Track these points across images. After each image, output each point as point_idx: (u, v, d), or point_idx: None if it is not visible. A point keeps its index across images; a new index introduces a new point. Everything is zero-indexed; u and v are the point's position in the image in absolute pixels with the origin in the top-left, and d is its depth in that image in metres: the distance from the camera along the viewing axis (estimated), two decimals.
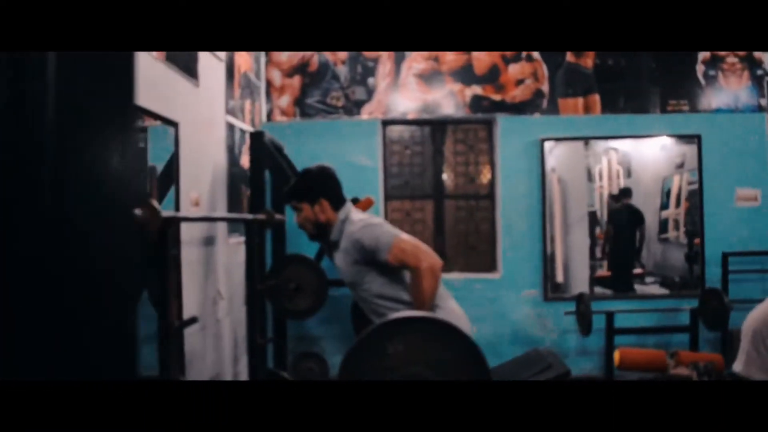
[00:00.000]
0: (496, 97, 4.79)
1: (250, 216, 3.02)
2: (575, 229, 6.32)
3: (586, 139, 5.18)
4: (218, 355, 3.61)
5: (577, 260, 6.29)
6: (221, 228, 3.73)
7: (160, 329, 1.87)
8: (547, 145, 5.80)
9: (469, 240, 5.06)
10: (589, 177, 8.67)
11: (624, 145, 7.69)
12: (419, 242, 2.49)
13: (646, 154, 7.22)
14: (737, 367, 1.58)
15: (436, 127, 5.03)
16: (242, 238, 3.82)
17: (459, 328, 1.98)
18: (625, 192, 7.68)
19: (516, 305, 4.78)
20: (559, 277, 5.98)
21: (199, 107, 3.44)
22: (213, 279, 3.61)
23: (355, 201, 4.09)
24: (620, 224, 7.40)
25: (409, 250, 2.40)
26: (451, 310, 2.63)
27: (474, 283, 4.84)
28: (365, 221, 2.54)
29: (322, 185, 2.63)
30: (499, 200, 4.85)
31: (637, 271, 7.45)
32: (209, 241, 3.56)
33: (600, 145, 7.94)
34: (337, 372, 1.99)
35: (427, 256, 2.41)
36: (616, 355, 3.77)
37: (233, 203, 4.02)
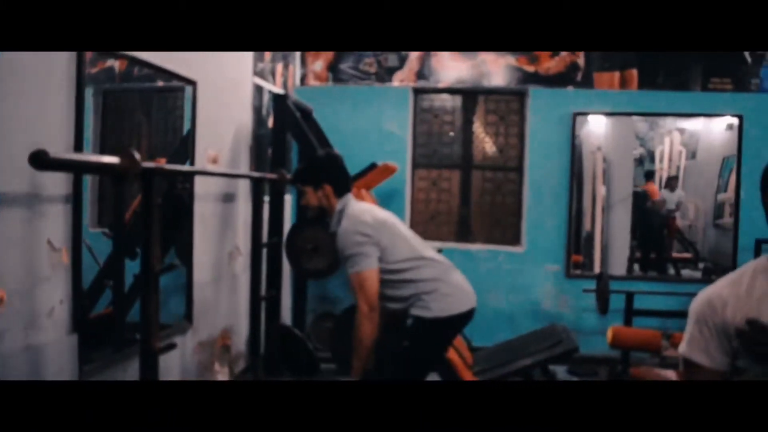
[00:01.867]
0: (530, 69, 4.71)
1: (255, 174, 3.11)
2: (617, 209, 6.19)
3: (621, 115, 5.01)
4: (232, 309, 3.78)
5: (617, 240, 6.17)
6: (243, 186, 3.86)
7: (143, 274, 1.99)
8: (593, 122, 5.68)
9: (494, 212, 5.04)
10: (651, 158, 8.47)
11: (692, 125, 7.46)
12: (377, 285, 2.53)
13: (715, 135, 6.95)
14: (681, 347, 1.57)
15: (467, 96, 4.99)
16: (266, 198, 3.95)
17: None
18: (672, 179, 7.50)
19: (537, 280, 4.76)
20: (596, 257, 5.89)
21: (222, 68, 3.54)
22: (232, 235, 3.76)
23: (373, 166, 4.14)
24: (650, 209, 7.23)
25: (362, 287, 2.50)
26: (456, 283, 2.67)
27: (497, 255, 4.83)
28: (357, 226, 2.56)
29: (328, 172, 2.69)
30: (527, 173, 4.79)
31: (684, 255, 7.26)
32: (229, 198, 3.70)
33: (665, 125, 7.73)
34: None
35: (372, 300, 2.50)
36: (609, 333, 3.73)
37: (259, 163, 4.14)
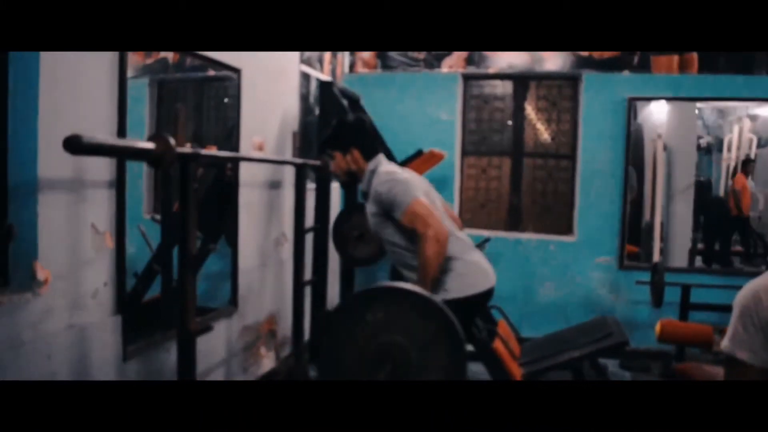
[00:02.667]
0: (583, 53, 4.55)
1: (297, 160, 3.12)
2: (679, 199, 5.95)
3: (680, 100, 4.78)
4: (279, 295, 3.82)
5: (678, 231, 5.94)
6: (290, 173, 3.89)
7: (180, 257, 2.03)
8: (654, 109, 5.45)
9: (545, 200, 4.92)
10: (719, 147, 8.10)
11: (765, 111, 7.07)
12: (434, 209, 2.48)
13: None
14: (724, 343, 1.48)
15: (518, 82, 4.88)
16: (313, 185, 3.98)
17: (437, 303, 1.99)
18: (748, 163, 7.08)
19: (589, 271, 4.63)
20: (656, 247, 5.69)
21: (268, 56, 3.57)
22: (278, 221, 3.80)
23: (419, 153, 4.10)
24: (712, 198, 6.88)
25: (420, 214, 2.42)
26: (473, 262, 2.62)
27: (548, 244, 4.73)
28: (391, 175, 2.55)
29: (355, 135, 2.68)
30: (579, 161, 4.65)
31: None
32: (275, 185, 3.74)
33: (735, 112, 7.36)
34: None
35: (436, 224, 2.40)
36: (657, 326, 3.59)
37: (306, 150, 4.17)
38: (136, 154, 1.84)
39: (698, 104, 5.73)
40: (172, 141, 1.86)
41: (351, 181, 2.77)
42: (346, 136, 2.69)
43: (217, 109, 3.88)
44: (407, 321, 1.96)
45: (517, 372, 3.61)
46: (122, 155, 2.10)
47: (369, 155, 2.66)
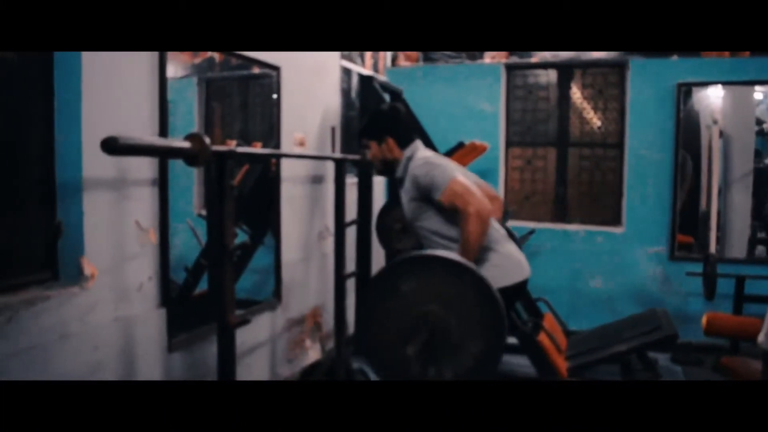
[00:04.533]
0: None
1: (336, 155, 3.15)
2: (737, 188, 5.73)
3: (731, 84, 4.59)
4: (323, 288, 3.88)
5: (735, 221, 5.72)
6: (332, 167, 3.93)
7: (214, 252, 2.10)
8: (711, 94, 5.25)
9: (593, 191, 4.82)
10: None
11: None
12: (473, 187, 2.46)
13: None
14: (760, 338, 1.43)
15: (562, 71, 4.78)
16: (355, 179, 4.01)
17: (471, 267, 1.97)
18: None
19: (639, 262, 4.52)
20: (712, 237, 5.50)
21: (307, 53, 3.61)
22: (321, 215, 3.85)
23: (461, 145, 4.08)
24: None
25: (460, 192, 2.39)
26: (507, 253, 2.59)
27: (596, 235, 4.63)
28: (427, 159, 2.56)
29: (389, 124, 2.69)
30: (627, 150, 4.54)
31: None
32: (318, 180, 3.79)
33: None
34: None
35: (477, 201, 2.38)
36: (704, 319, 3.47)
37: (348, 145, 4.21)
38: (173, 153, 1.90)
39: (757, 88, 5.49)
40: (207, 139, 1.91)
41: (387, 171, 2.78)
42: (381, 125, 2.70)
43: (263, 105, 3.95)
44: (442, 288, 1.97)
45: (562, 365, 3.56)
46: (159, 154, 2.18)
47: (404, 143, 2.67)
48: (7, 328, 1.74)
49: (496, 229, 2.64)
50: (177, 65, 3.98)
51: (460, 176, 2.48)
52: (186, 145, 1.88)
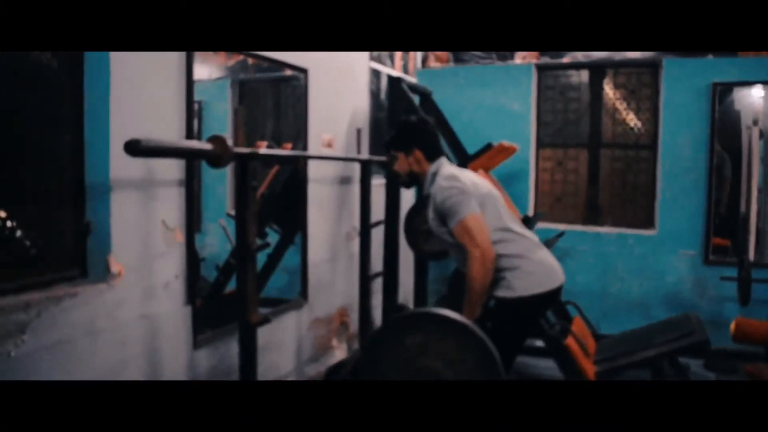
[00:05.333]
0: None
1: (362, 156, 3.18)
2: None
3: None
4: (350, 288, 3.91)
5: None
6: (360, 169, 3.97)
7: (238, 251, 2.15)
8: (752, 93, 5.11)
9: (625, 192, 4.75)
10: None
11: None
12: (485, 228, 2.44)
13: None
14: None
15: (594, 71, 4.72)
16: (383, 180, 4.04)
17: (475, 330, 1.98)
18: None
19: (672, 265, 4.43)
20: (750, 241, 5.35)
21: (335, 55, 3.65)
22: (348, 216, 3.89)
23: (488, 147, 4.07)
24: None
25: (470, 232, 2.40)
26: (539, 260, 2.56)
27: (627, 238, 4.56)
28: (452, 182, 2.52)
29: (418, 137, 2.67)
30: (660, 151, 4.44)
31: None
32: (345, 181, 3.83)
33: None
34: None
35: (484, 244, 2.38)
36: (732, 325, 3.39)
37: (377, 146, 4.23)
38: (195, 155, 1.96)
39: None
40: (229, 141, 1.96)
41: (412, 182, 2.77)
42: (409, 137, 2.68)
43: (294, 107, 4.02)
44: (445, 347, 1.99)
45: (590, 370, 3.51)
46: (181, 156, 2.23)
47: (432, 156, 2.65)
48: (36, 322, 1.82)
49: (528, 236, 2.61)
50: (212, 67, 4.07)
51: (477, 210, 2.46)
52: (208, 147, 1.93)
